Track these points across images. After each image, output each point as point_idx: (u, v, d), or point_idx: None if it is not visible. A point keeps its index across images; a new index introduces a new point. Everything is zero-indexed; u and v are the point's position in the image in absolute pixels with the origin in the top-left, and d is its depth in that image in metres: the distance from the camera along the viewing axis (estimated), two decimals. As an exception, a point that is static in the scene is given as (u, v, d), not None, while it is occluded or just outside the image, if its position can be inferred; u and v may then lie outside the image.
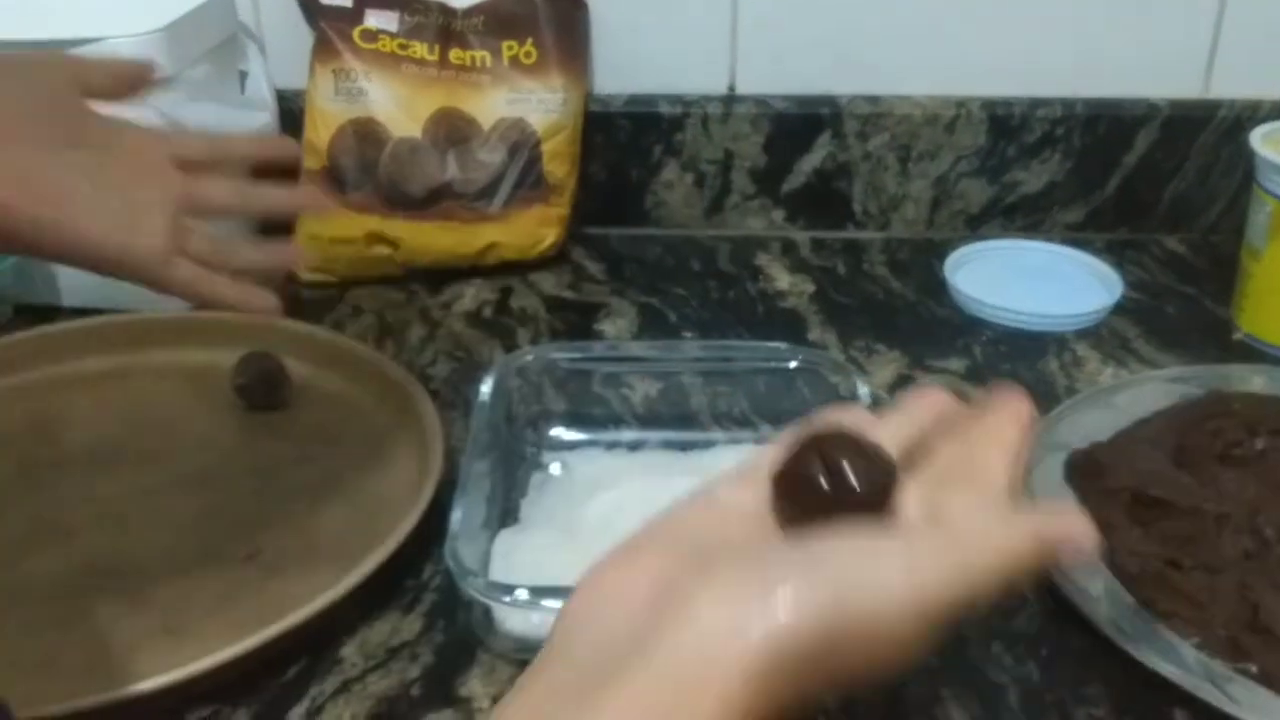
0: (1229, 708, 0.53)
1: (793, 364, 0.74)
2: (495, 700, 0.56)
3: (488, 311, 0.91)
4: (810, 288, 0.95)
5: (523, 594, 0.55)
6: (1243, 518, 0.63)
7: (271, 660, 0.57)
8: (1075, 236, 1.03)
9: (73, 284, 0.88)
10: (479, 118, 0.94)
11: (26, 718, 0.51)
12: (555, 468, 0.72)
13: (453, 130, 0.94)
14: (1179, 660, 0.55)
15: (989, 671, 0.58)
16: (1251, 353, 0.86)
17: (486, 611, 0.58)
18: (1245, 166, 0.94)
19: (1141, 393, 0.77)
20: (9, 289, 0.86)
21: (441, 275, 0.95)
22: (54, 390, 0.80)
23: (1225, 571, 0.60)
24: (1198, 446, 0.70)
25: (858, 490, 0.40)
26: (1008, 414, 0.44)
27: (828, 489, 0.40)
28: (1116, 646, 0.57)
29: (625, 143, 1.01)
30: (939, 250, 0.98)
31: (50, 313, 0.87)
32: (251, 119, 0.92)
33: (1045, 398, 0.79)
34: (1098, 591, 0.60)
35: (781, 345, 0.76)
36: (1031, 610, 0.62)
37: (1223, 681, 0.54)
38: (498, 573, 0.61)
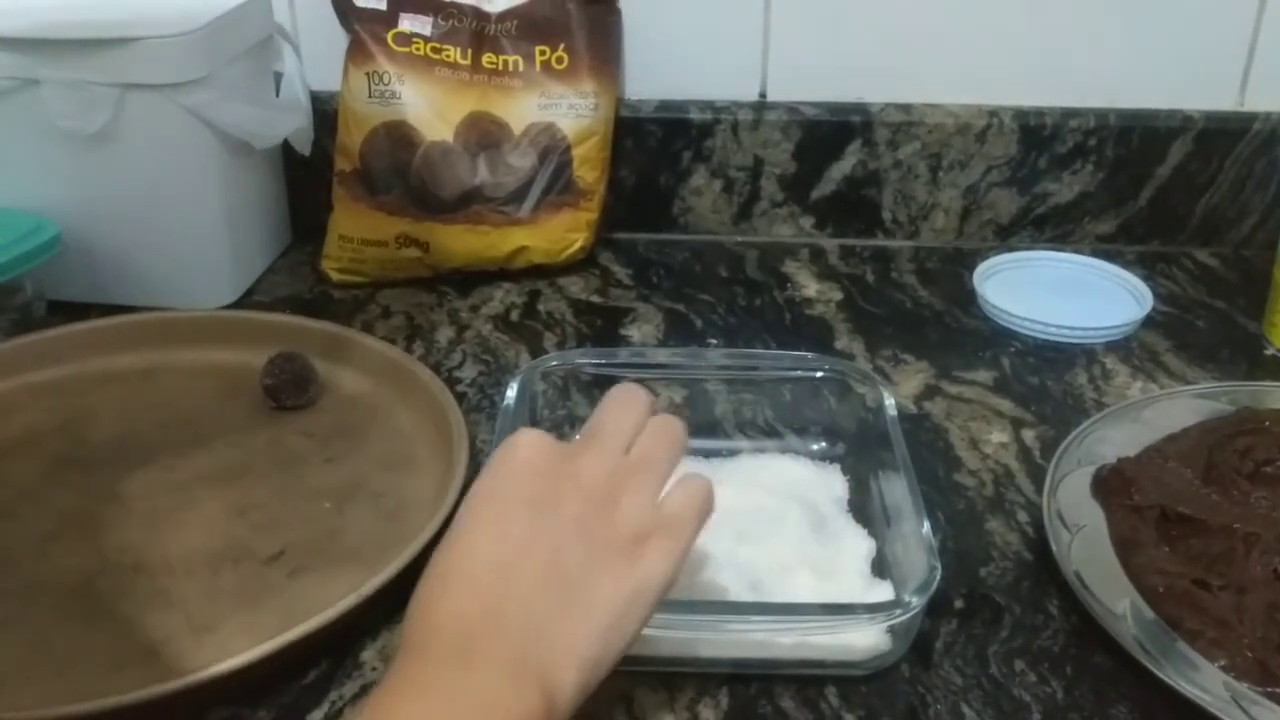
0: (1255, 732, 0.53)
1: (819, 374, 0.73)
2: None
3: (515, 315, 0.91)
4: (838, 296, 0.95)
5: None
6: (1273, 537, 0.63)
7: (293, 663, 0.57)
8: (1106, 248, 1.02)
9: (105, 281, 0.89)
10: (510, 122, 0.94)
11: (47, 716, 0.52)
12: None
13: (484, 134, 0.94)
14: (1205, 682, 0.55)
15: (1013, 690, 0.57)
16: (1283, 369, 0.85)
17: (508, 617, 0.58)
18: (1279, 180, 0.93)
19: (1171, 408, 0.76)
20: (43, 286, 0.87)
21: (470, 278, 0.95)
22: (84, 387, 0.81)
23: (1254, 592, 0.60)
24: (1227, 464, 0.69)
25: None
26: None
27: None
28: (1142, 666, 0.56)
29: (655, 148, 1.01)
30: (968, 260, 0.98)
31: (83, 310, 0.88)
32: (286, 120, 0.93)
33: (1073, 411, 0.79)
34: (1123, 610, 0.59)
35: (808, 355, 0.76)
36: (1056, 628, 0.61)
37: (1249, 705, 0.54)
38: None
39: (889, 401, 0.69)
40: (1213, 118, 0.99)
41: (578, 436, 0.53)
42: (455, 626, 0.45)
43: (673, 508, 0.50)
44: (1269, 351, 0.87)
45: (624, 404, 0.53)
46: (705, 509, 0.50)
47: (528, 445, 0.50)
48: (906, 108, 1.00)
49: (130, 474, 0.72)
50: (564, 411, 0.74)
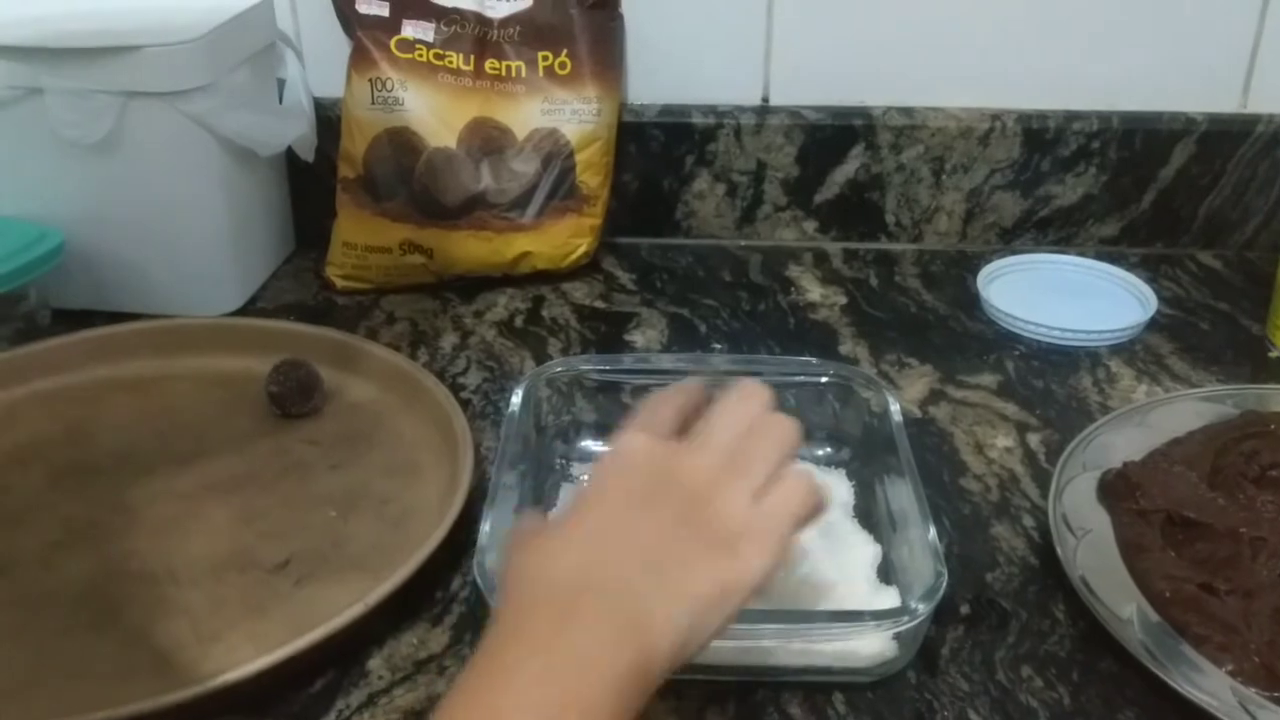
0: (1262, 737, 0.53)
1: (823, 379, 0.73)
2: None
3: (520, 320, 0.91)
4: (842, 300, 0.95)
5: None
6: (1279, 542, 0.63)
7: (299, 672, 0.57)
8: (1109, 251, 1.02)
9: (109, 290, 0.89)
10: (513, 128, 0.94)
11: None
12: (584, 479, 0.72)
13: (487, 140, 0.94)
14: (1212, 688, 0.55)
15: (1020, 696, 0.57)
16: (1288, 371, 0.85)
17: (514, 625, 0.58)
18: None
19: (1175, 411, 0.76)
20: (48, 293, 0.87)
21: (474, 284, 0.95)
22: (89, 395, 0.81)
23: (1261, 596, 0.60)
24: (1233, 468, 0.69)
25: None
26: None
27: None
28: (1149, 672, 0.56)
29: (658, 153, 1.01)
30: (971, 263, 0.98)
31: (87, 318, 0.88)
32: (289, 127, 0.93)
33: (1078, 415, 0.79)
34: (1130, 615, 0.59)
35: (813, 360, 0.76)
36: (1063, 634, 0.61)
37: (1256, 710, 0.54)
38: (526, 585, 0.62)
39: (894, 406, 0.69)
40: (1216, 120, 0.99)
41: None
42: (556, 591, 0.46)
43: (770, 508, 0.50)
44: (1273, 354, 0.87)
45: (737, 404, 0.54)
46: (805, 510, 0.51)
47: (636, 446, 0.52)
48: (909, 111, 1.00)
49: (135, 482, 0.72)
50: (569, 418, 0.75)
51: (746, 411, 0.54)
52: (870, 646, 0.57)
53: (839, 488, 0.70)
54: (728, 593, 0.47)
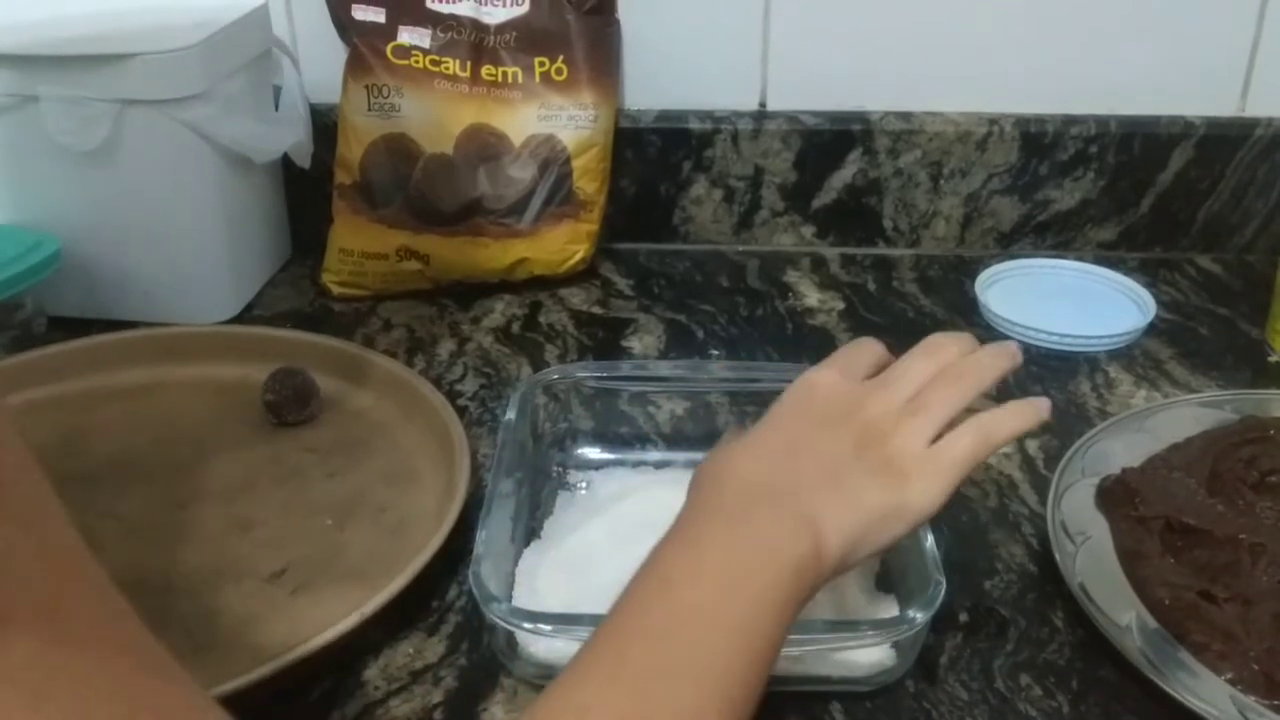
0: (1262, 745, 0.53)
1: (821, 385, 0.73)
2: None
3: (517, 327, 0.91)
4: (840, 305, 0.95)
5: (545, 626, 0.55)
6: (1278, 548, 0.62)
7: (296, 682, 0.57)
8: (1108, 255, 1.02)
9: (106, 297, 0.89)
10: (510, 134, 0.94)
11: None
12: (581, 486, 0.72)
13: (484, 146, 0.94)
14: (1211, 696, 0.55)
15: (1019, 705, 0.57)
16: (1287, 376, 0.85)
17: (510, 636, 0.58)
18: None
19: (1174, 417, 0.76)
20: (44, 301, 0.87)
21: (471, 290, 0.95)
22: (85, 403, 0.80)
23: (1260, 604, 0.60)
24: (1232, 474, 0.69)
25: None
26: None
27: None
28: (1148, 680, 0.56)
29: (655, 158, 1.01)
30: (969, 268, 0.98)
31: (84, 326, 0.88)
32: (285, 134, 0.93)
33: (1077, 420, 0.79)
34: (1129, 622, 0.59)
35: (809, 366, 0.76)
36: (1062, 641, 0.61)
37: (1255, 718, 0.53)
38: (522, 594, 0.62)
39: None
40: (1214, 124, 0.99)
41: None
42: (745, 488, 0.51)
43: (943, 450, 0.54)
44: (1273, 358, 0.87)
45: (925, 354, 0.58)
46: (975, 455, 0.54)
47: (822, 378, 0.57)
48: (907, 116, 0.99)
49: (131, 491, 0.72)
50: (565, 425, 0.74)
51: (932, 361, 0.57)
52: (868, 655, 0.57)
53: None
54: (894, 515, 0.52)
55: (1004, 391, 0.81)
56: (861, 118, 0.99)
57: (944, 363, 0.57)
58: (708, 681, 0.44)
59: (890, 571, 0.63)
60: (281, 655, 0.55)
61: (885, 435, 0.53)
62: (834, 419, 0.54)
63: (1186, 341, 0.89)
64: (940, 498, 0.53)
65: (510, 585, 0.62)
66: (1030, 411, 0.57)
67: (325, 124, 0.97)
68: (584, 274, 0.98)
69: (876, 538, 0.51)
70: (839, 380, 0.57)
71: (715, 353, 0.88)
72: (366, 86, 0.93)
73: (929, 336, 0.59)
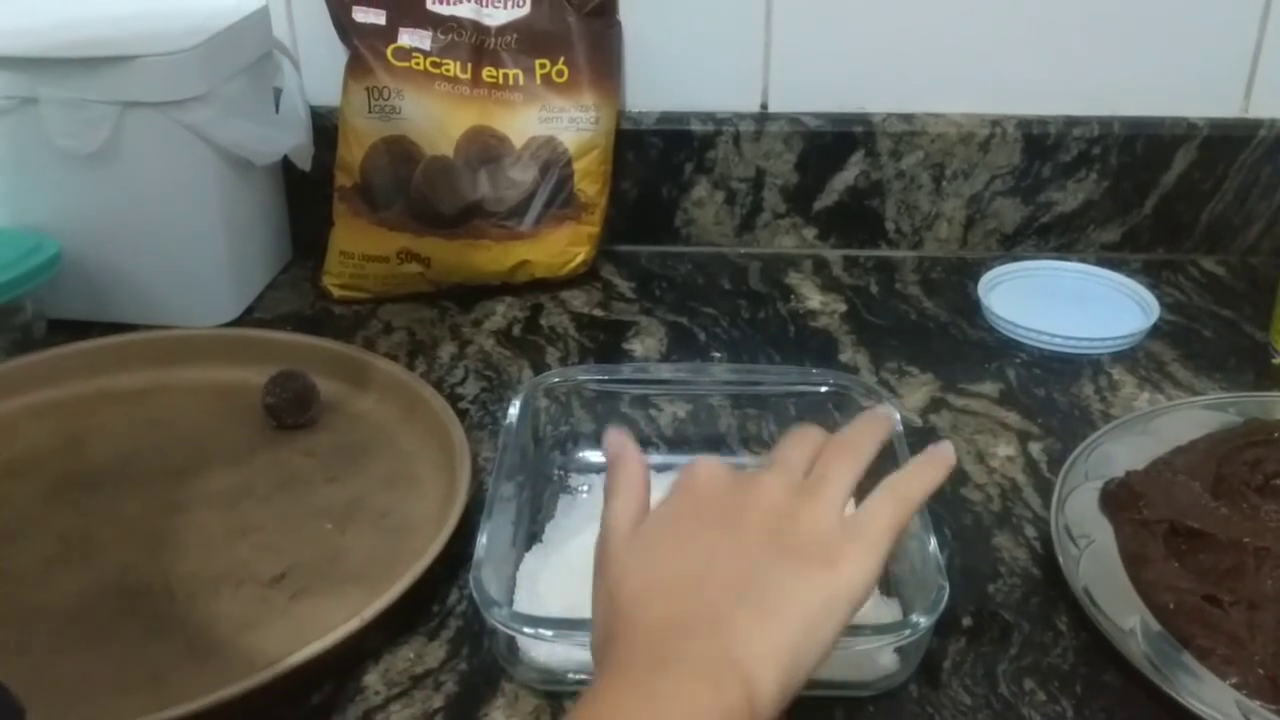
0: (1267, 751, 0.52)
1: (823, 388, 0.73)
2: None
3: (518, 329, 0.91)
4: (842, 307, 0.94)
5: (546, 630, 0.55)
6: (1283, 552, 0.62)
7: (296, 687, 0.57)
8: (1111, 257, 1.01)
9: (106, 300, 0.89)
10: (511, 136, 0.94)
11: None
12: (583, 490, 0.72)
13: (485, 148, 0.94)
14: (1216, 701, 0.54)
15: (1022, 709, 0.57)
16: (1291, 378, 0.85)
17: (511, 641, 0.57)
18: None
19: (1178, 419, 0.76)
20: (44, 304, 0.87)
21: (472, 293, 0.95)
22: (85, 407, 0.80)
23: (1265, 608, 0.59)
24: (1236, 476, 0.68)
25: None
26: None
27: None
28: (1153, 684, 0.56)
29: (656, 160, 1.01)
30: (972, 270, 0.98)
31: (83, 329, 0.88)
32: (285, 136, 0.93)
33: (1080, 422, 0.79)
34: (1133, 626, 0.59)
35: (813, 370, 0.76)
36: (1065, 645, 0.61)
37: (1261, 723, 0.53)
38: (523, 597, 0.61)
39: (895, 416, 0.69)
40: (1217, 125, 0.98)
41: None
42: (649, 629, 0.45)
43: (863, 515, 0.49)
44: (1277, 360, 0.87)
45: (799, 438, 0.54)
46: (899, 517, 0.49)
47: (706, 470, 0.52)
48: (909, 117, 0.99)
49: (131, 495, 0.72)
50: (567, 428, 0.74)
51: (810, 443, 0.53)
52: (872, 660, 0.57)
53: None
54: (829, 610, 0.46)
55: (1009, 396, 0.82)
56: (863, 119, 0.99)
57: (818, 443, 0.53)
58: None
59: (894, 576, 0.62)
60: (281, 660, 0.55)
61: (793, 517, 0.48)
62: (732, 511, 0.49)
63: (1190, 343, 0.89)
64: (875, 575, 0.47)
65: (511, 589, 0.62)
66: (939, 462, 0.52)
67: (326, 126, 0.97)
68: (585, 276, 0.97)
69: (816, 645, 0.45)
70: (720, 467, 0.52)
71: (717, 355, 0.88)
72: (367, 89, 0.93)
73: (791, 431, 0.54)
